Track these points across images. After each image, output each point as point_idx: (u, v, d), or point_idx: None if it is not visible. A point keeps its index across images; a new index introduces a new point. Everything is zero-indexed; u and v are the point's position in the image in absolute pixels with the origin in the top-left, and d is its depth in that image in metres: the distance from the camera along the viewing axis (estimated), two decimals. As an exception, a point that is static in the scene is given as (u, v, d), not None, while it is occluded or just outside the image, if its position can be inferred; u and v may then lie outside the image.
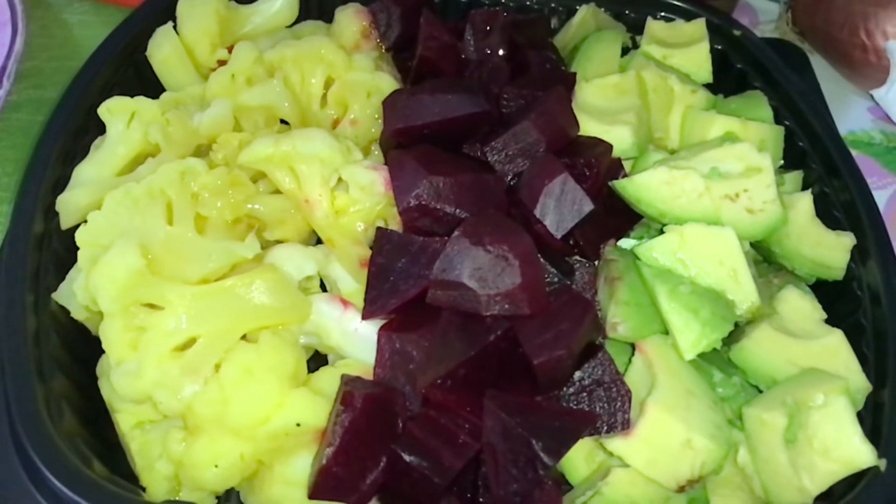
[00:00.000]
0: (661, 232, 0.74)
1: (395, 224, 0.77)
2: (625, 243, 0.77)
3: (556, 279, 0.73)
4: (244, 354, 0.66)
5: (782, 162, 0.91)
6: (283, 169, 0.76)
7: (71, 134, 0.79)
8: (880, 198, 1.03)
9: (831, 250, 0.81)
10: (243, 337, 0.69)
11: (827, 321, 0.77)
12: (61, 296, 0.72)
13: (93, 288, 0.65)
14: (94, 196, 0.73)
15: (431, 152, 0.77)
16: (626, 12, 1.02)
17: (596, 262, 0.76)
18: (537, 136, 0.78)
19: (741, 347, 0.72)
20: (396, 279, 0.71)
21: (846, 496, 0.65)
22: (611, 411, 0.68)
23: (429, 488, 0.63)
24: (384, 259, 0.72)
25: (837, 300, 0.80)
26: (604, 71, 0.90)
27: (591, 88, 0.88)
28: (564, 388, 0.69)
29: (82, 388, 0.71)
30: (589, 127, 0.83)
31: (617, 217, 0.79)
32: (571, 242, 0.76)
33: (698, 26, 0.98)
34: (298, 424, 0.66)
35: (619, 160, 0.82)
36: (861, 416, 0.69)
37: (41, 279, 0.72)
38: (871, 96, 1.13)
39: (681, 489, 0.66)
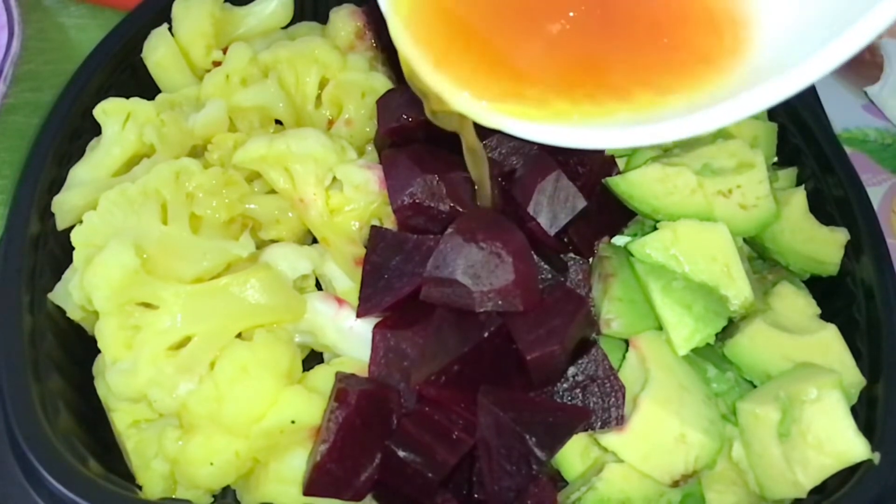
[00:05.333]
0: (655, 228, 0.74)
1: (390, 222, 0.77)
2: (618, 240, 0.77)
3: (549, 276, 0.73)
4: (239, 352, 0.66)
5: (776, 159, 0.91)
6: (277, 168, 0.76)
7: (67, 135, 0.80)
8: (874, 194, 1.02)
9: (825, 246, 0.81)
10: (238, 335, 0.69)
11: (821, 316, 0.77)
12: (57, 296, 0.72)
13: (88, 287, 0.65)
14: (89, 197, 0.73)
15: (425, 151, 0.77)
16: (620, 11, 1.03)
17: (590, 259, 0.76)
18: (531, 135, 0.79)
19: (735, 343, 0.72)
20: (391, 277, 0.71)
21: (840, 490, 0.65)
22: (605, 407, 0.68)
23: (423, 484, 0.63)
24: (378, 257, 0.72)
25: (831, 295, 0.80)
26: (597, 69, 0.90)
27: (585, 87, 0.88)
28: (558, 384, 0.69)
29: (78, 388, 0.72)
30: (582, 125, 0.83)
31: (610, 214, 0.79)
32: (565, 240, 0.76)
33: (692, 25, 0.98)
34: (293, 422, 0.66)
35: (612, 157, 0.82)
36: (855, 411, 0.69)
37: (37, 279, 0.72)
38: (866, 93, 1.14)
39: (675, 484, 0.66)
